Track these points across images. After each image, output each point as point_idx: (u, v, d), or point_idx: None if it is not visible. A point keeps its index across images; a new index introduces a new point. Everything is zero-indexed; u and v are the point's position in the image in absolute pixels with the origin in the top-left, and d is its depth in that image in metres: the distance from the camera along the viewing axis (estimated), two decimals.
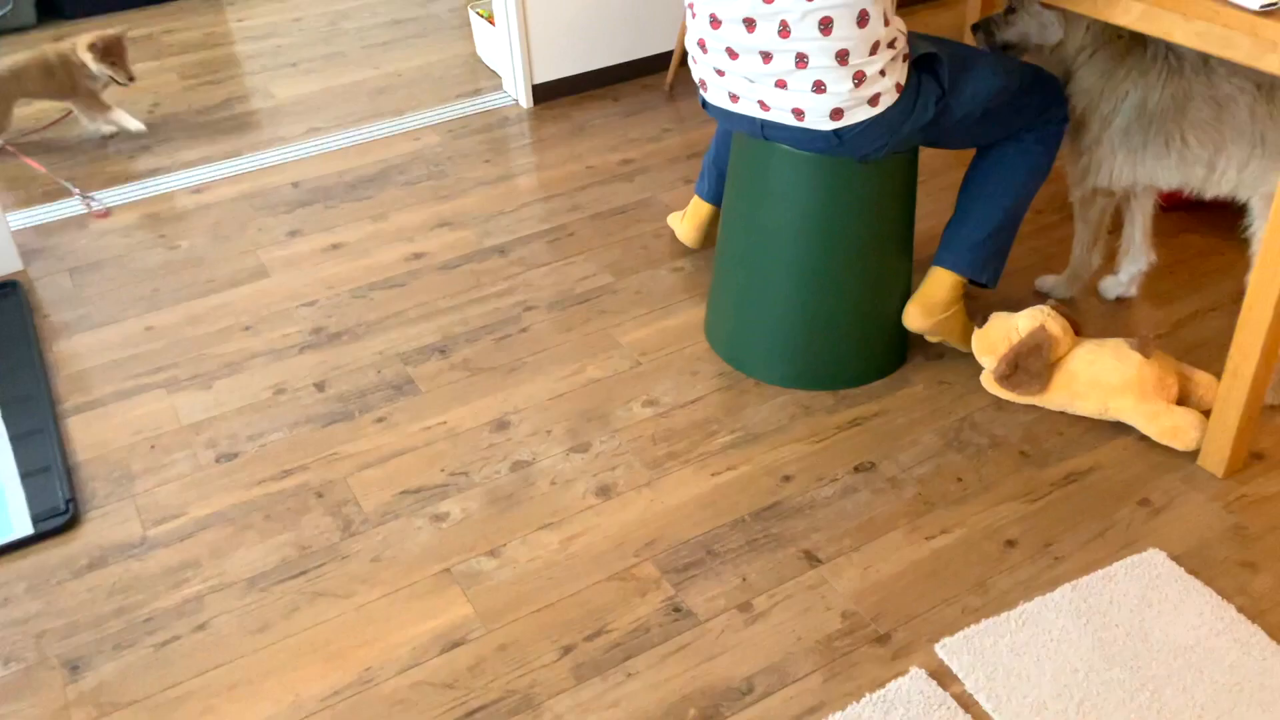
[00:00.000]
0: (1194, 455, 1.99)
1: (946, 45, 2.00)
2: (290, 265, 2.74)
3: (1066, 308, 2.32)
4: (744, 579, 1.83)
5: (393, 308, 2.56)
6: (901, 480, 2.01)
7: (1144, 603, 1.71)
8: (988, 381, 2.18)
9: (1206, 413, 2.02)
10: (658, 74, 3.65)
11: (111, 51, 3.28)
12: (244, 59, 3.94)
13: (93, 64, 3.26)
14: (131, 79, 3.33)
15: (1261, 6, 1.59)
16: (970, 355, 2.26)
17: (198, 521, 2.00)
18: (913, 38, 1.97)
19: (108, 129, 3.40)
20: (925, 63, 1.96)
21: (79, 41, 3.26)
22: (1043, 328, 2.10)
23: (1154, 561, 1.78)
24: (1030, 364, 2.09)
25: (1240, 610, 1.70)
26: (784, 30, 1.83)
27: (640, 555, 1.88)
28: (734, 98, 2.00)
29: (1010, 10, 2.19)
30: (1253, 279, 1.78)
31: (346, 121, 3.45)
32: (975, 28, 2.26)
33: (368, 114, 3.49)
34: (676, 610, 1.78)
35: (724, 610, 1.78)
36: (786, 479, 2.03)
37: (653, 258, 2.71)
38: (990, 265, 2.19)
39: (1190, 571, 1.77)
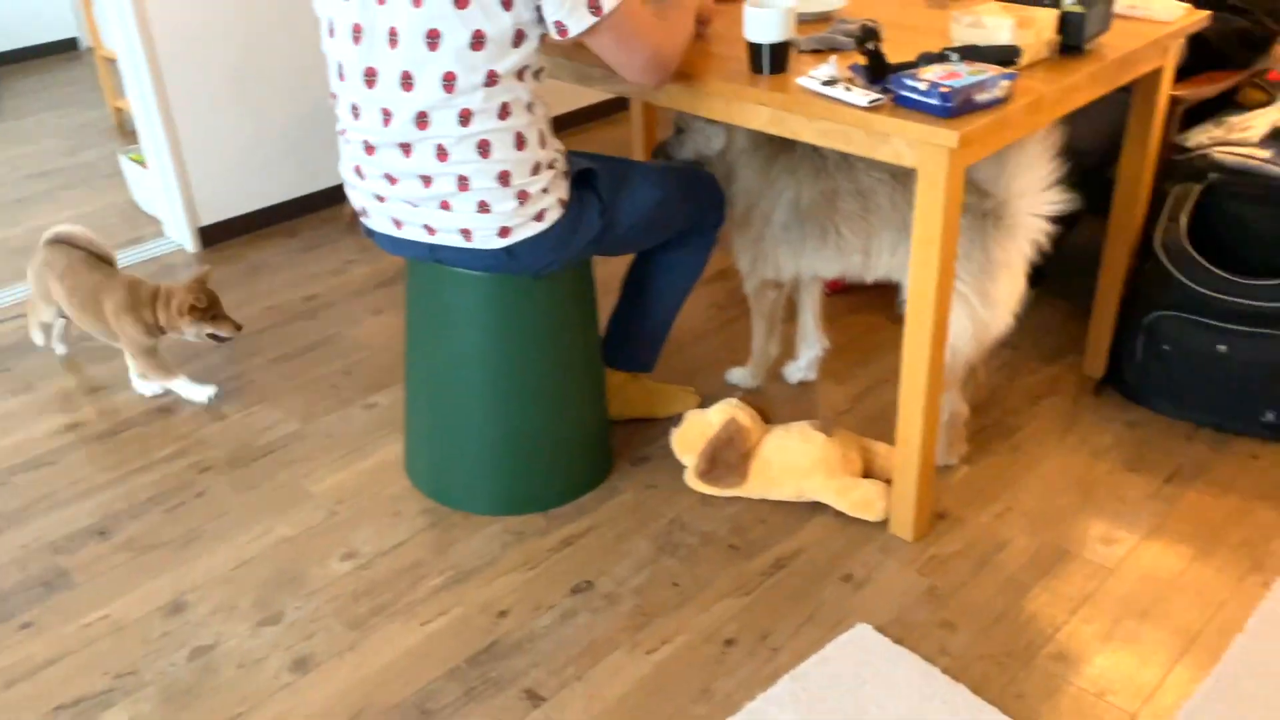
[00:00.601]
0: (885, 524, 2.07)
1: (605, 161, 2.05)
2: None
3: (754, 397, 2.39)
4: None
5: (40, 491, 2.25)
6: (619, 595, 1.95)
7: (858, 680, 1.72)
8: (691, 479, 2.19)
9: (890, 481, 2.12)
10: (337, 205, 3.54)
11: (212, 303, 2.48)
12: None
13: (191, 329, 2.46)
14: (238, 328, 2.54)
15: (869, 103, 1.73)
16: (674, 457, 2.26)
17: None
18: (573, 156, 2.00)
19: (150, 391, 2.56)
20: (586, 178, 1.99)
21: (173, 306, 2.44)
22: (733, 420, 2.14)
23: (863, 636, 1.81)
24: (726, 456, 2.12)
25: (945, 671, 1.75)
26: (441, 154, 1.80)
27: None
28: (398, 223, 1.93)
29: (679, 131, 2.31)
30: (904, 351, 1.89)
31: None
32: (654, 153, 2.39)
33: (7, 276, 3.13)
34: None
35: None
36: (502, 614, 1.92)
37: (343, 397, 2.55)
38: (649, 357, 2.35)
39: (895, 640, 1.81)
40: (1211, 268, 2.16)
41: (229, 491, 2.24)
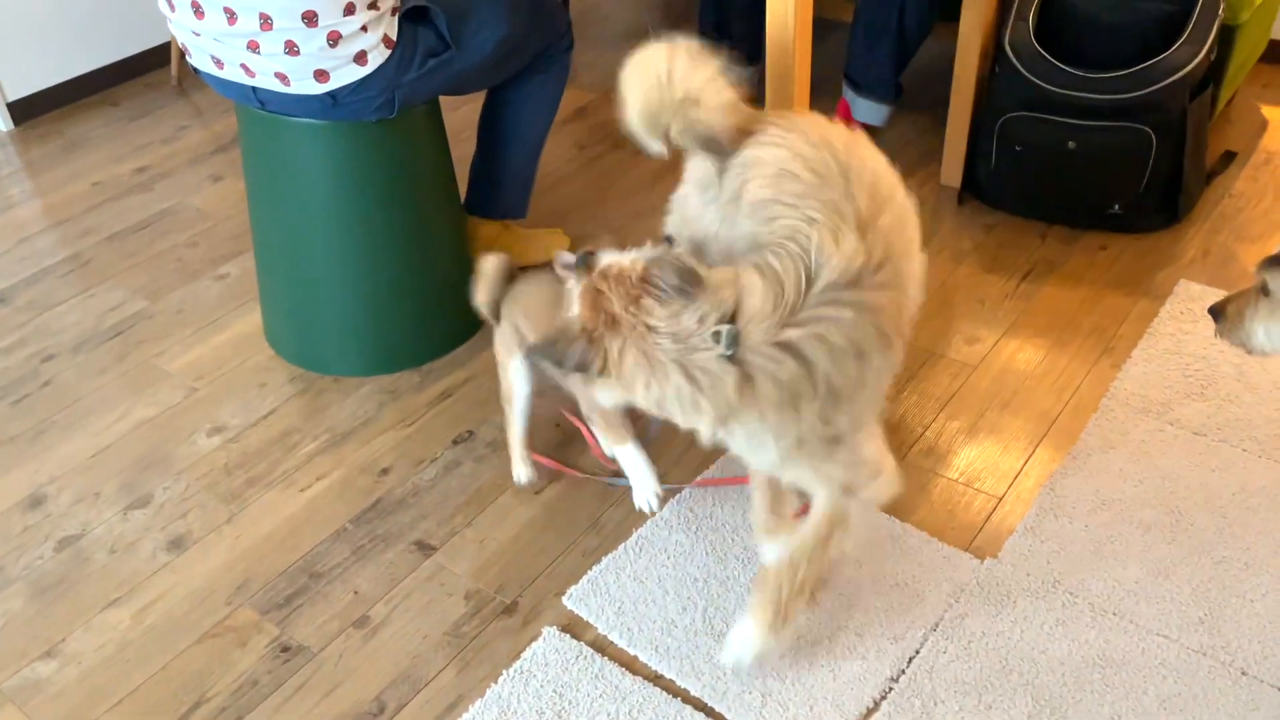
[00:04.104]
0: None
1: None
2: None
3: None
4: (355, 592, 1.67)
5: None
6: (501, 441, 1.93)
7: (745, 496, 1.77)
8: None
9: None
10: (162, 68, 3.26)
11: None
12: None
13: None
14: None
15: None
16: None
17: None
18: None
19: None
20: (419, 15, 1.86)
21: None
22: None
23: None
24: None
25: None
26: None
27: (233, 602, 1.66)
28: (218, 63, 1.79)
29: None
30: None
31: None
32: None
33: None
34: (285, 650, 1.59)
35: (339, 633, 1.61)
36: (384, 472, 1.89)
37: (190, 270, 2.41)
38: (518, 202, 2.24)
39: None
40: (1058, 64, 2.18)
41: (78, 378, 2.11)
